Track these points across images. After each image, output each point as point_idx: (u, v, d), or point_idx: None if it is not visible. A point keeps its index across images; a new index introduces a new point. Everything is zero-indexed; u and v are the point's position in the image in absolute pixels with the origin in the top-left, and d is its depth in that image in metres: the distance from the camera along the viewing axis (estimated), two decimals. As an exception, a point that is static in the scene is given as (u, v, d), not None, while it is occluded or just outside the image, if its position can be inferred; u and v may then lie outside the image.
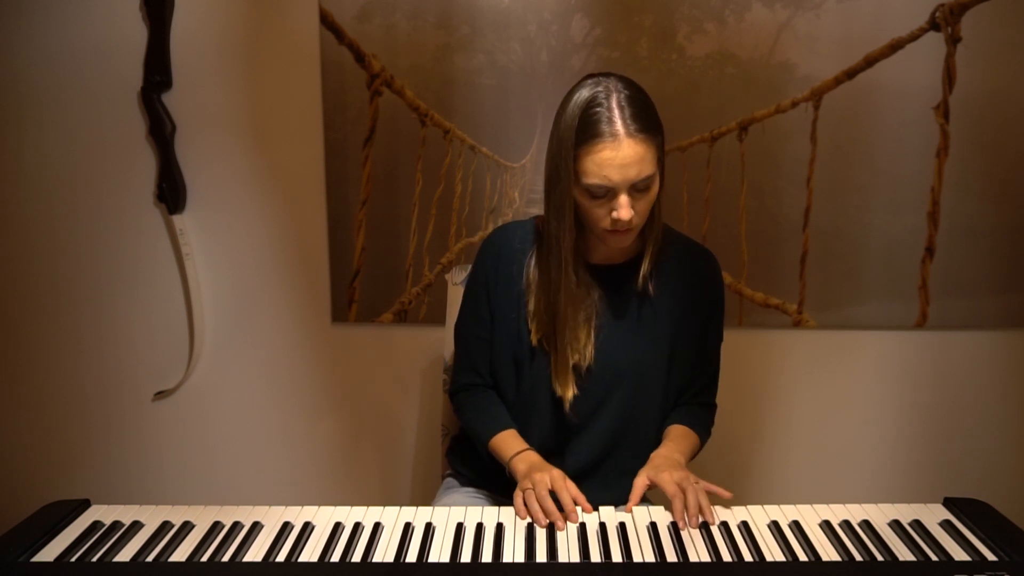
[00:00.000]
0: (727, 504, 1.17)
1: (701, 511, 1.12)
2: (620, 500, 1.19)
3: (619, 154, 1.10)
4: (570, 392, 1.26)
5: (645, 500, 1.22)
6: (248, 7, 1.83)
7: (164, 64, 1.84)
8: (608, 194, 1.14)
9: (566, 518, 1.12)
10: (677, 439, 1.31)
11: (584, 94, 1.14)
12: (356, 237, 1.92)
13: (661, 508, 1.17)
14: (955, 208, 1.85)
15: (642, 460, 1.30)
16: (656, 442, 1.35)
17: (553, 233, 1.22)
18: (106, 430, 2.06)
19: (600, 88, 1.14)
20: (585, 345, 1.26)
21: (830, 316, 1.92)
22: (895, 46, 1.78)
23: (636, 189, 1.14)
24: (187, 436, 2.06)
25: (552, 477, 1.17)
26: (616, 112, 1.11)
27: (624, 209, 1.13)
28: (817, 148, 1.83)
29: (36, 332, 2.02)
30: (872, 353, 1.95)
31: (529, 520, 1.13)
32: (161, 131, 1.87)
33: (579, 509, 1.15)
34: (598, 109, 1.12)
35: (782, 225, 1.88)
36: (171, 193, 1.89)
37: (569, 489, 1.17)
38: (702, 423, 1.38)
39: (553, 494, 1.16)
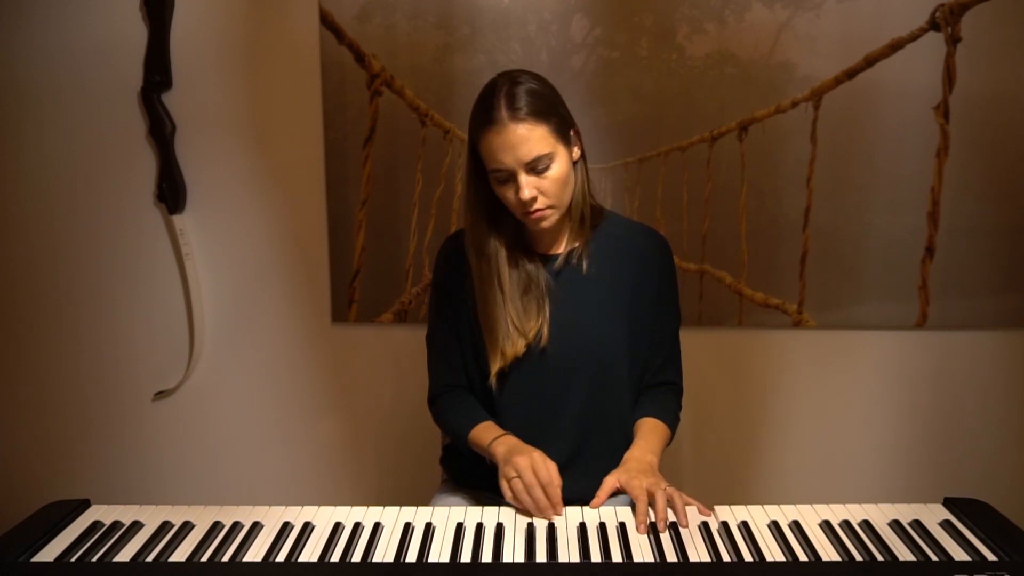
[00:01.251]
0: (731, 503, 1.17)
1: (675, 511, 1.12)
2: (595, 484, 1.20)
3: (504, 137, 1.18)
4: (497, 364, 1.29)
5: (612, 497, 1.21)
6: (248, 7, 1.83)
7: (164, 64, 1.84)
8: (509, 177, 1.21)
9: (553, 508, 1.14)
10: (647, 435, 1.32)
11: (485, 88, 1.24)
12: (356, 237, 1.92)
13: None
14: (955, 208, 1.85)
15: (617, 446, 1.33)
16: (623, 427, 1.36)
17: (471, 220, 1.30)
18: (106, 430, 2.06)
19: (499, 81, 1.23)
20: (539, 327, 1.30)
21: (830, 316, 1.92)
22: (895, 46, 1.78)
23: (534, 170, 1.20)
24: (187, 436, 2.06)
25: (533, 460, 1.17)
26: (502, 100, 1.19)
27: (524, 189, 1.20)
28: (817, 148, 1.83)
29: (36, 332, 2.02)
30: (872, 353, 1.95)
31: (529, 520, 1.13)
32: (161, 131, 1.87)
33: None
34: (490, 99, 1.21)
35: (782, 225, 1.88)
36: (171, 193, 1.89)
37: (550, 471, 1.17)
38: (670, 410, 1.39)
39: None
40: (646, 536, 1.08)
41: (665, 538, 1.08)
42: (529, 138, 1.18)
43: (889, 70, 1.79)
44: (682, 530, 1.10)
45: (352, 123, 1.86)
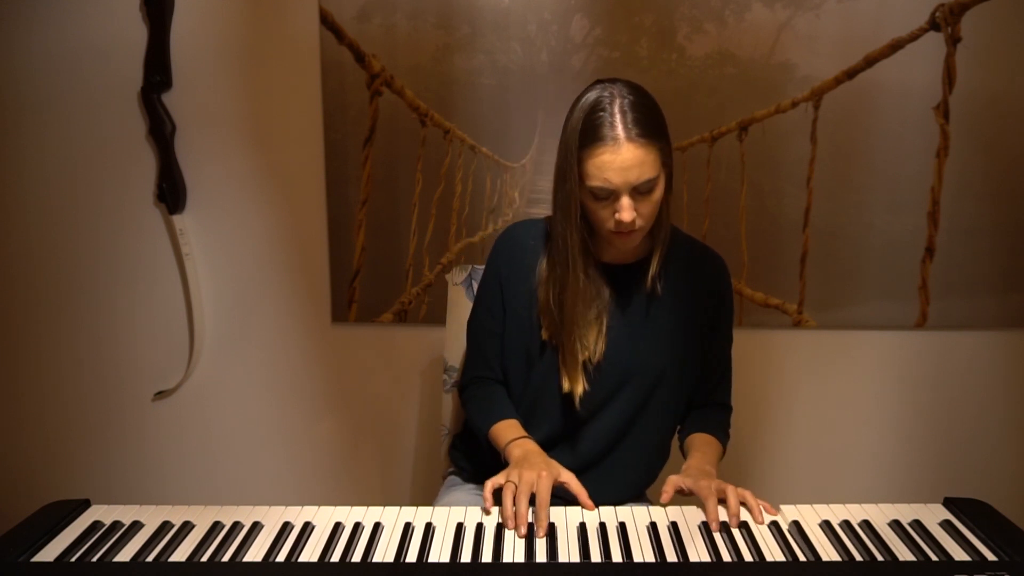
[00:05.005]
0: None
1: (750, 510, 1.13)
2: (620, 493, 1.21)
3: (619, 157, 1.13)
4: (580, 387, 1.27)
5: (646, 500, 1.22)
6: (248, 7, 1.83)
7: (164, 64, 1.84)
8: (611, 196, 1.16)
9: (537, 530, 1.09)
10: (703, 448, 1.32)
11: (590, 98, 1.17)
12: (356, 237, 1.92)
13: (661, 508, 1.17)
14: (955, 208, 1.85)
15: (644, 458, 1.33)
16: (660, 442, 1.37)
17: (559, 232, 1.24)
18: (106, 430, 2.06)
19: (605, 93, 1.16)
20: (595, 342, 1.28)
21: (830, 316, 1.92)
22: (895, 46, 1.78)
23: (638, 192, 1.16)
24: (187, 436, 2.06)
25: (540, 481, 1.13)
26: (618, 117, 1.13)
27: (626, 211, 1.15)
28: (817, 148, 1.83)
29: (36, 332, 2.02)
30: (872, 353, 1.95)
31: (530, 521, 1.13)
32: (161, 131, 1.87)
33: (582, 510, 1.15)
34: (601, 114, 1.14)
35: (782, 225, 1.88)
36: (171, 193, 1.89)
37: (542, 494, 1.12)
38: (722, 428, 1.39)
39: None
40: (646, 536, 1.09)
41: (665, 538, 1.08)
42: (644, 161, 1.13)
43: (889, 70, 1.79)
44: (682, 530, 1.10)
45: (352, 123, 1.86)
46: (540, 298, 1.30)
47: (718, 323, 1.37)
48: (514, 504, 1.12)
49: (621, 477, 1.33)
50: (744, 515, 1.14)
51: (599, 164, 1.14)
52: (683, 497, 1.20)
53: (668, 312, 1.31)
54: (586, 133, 1.15)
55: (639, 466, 1.32)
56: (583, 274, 1.26)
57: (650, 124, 1.15)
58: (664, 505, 1.17)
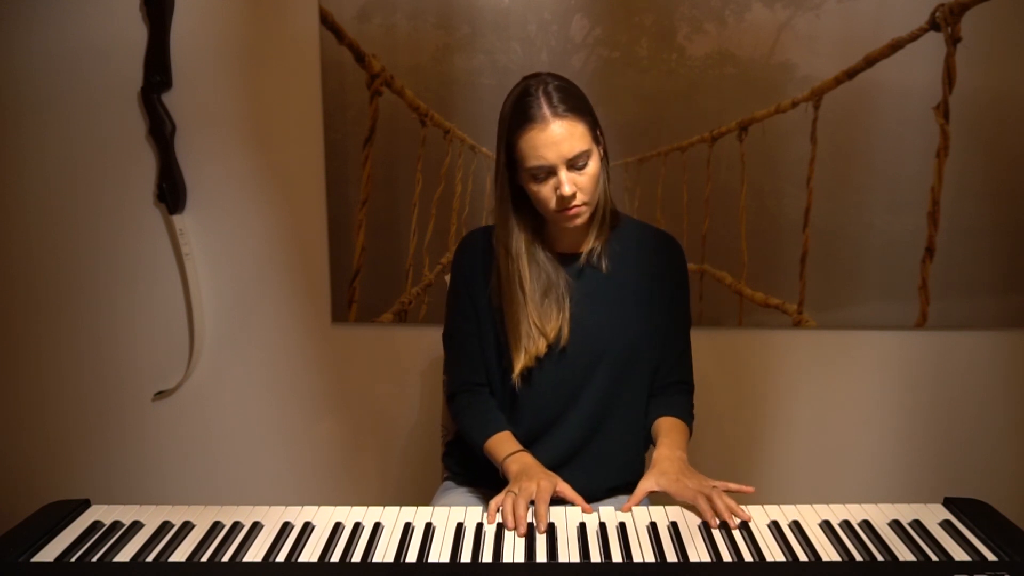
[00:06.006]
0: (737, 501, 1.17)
1: (734, 511, 1.14)
2: (600, 485, 1.24)
3: (549, 134, 1.19)
4: (520, 363, 1.30)
5: (644, 500, 1.22)
6: (248, 7, 1.83)
7: (164, 64, 1.84)
8: (549, 174, 1.22)
9: (537, 526, 1.12)
10: (670, 433, 1.33)
11: (517, 90, 1.25)
12: (356, 237, 1.92)
13: (661, 508, 1.17)
14: (955, 208, 1.85)
15: (627, 440, 1.36)
16: (639, 423, 1.38)
17: (499, 218, 1.30)
18: (106, 430, 2.06)
19: (531, 82, 1.24)
20: (558, 327, 1.31)
21: (830, 316, 1.92)
22: (895, 46, 1.78)
23: (574, 167, 1.21)
24: (187, 436, 2.06)
25: (539, 488, 1.18)
26: (543, 99, 1.20)
27: (565, 184, 1.21)
28: (817, 148, 1.83)
29: (36, 332, 2.02)
30: (872, 353, 1.95)
31: (529, 521, 1.13)
32: (161, 131, 1.87)
33: (580, 510, 1.16)
34: (528, 99, 1.22)
35: (782, 225, 1.88)
36: (171, 193, 1.89)
37: (565, 493, 1.19)
38: (685, 409, 1.41)
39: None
40: (646, 536, 1.09)
41: (665, 538, 1.08)
42: (572, 134, 1.20)
43: (889, 70, 1.78)
44: (682, 530, 1.10)
45: (352, 123, 1.86)
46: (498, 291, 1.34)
47: (674, 301, 1.40)
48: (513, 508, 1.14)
49: (609, 462, 1.36)
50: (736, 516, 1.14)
51: (532, 143, 1.20)
52: (663, 497, 1.21)
53: (627, 292, 1.35)
54: (516, 118, 1.22)
55: (624, 449, 1.36)
56: (528, 257, 1.30)
57: (574, 101, 1.22)
58: (642, 506, 1.18)
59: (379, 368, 2.01)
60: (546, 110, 1.19)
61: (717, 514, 1.13)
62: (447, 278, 1.63)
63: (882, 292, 1.90)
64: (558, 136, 1.19)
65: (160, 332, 2.00)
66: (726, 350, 1.96)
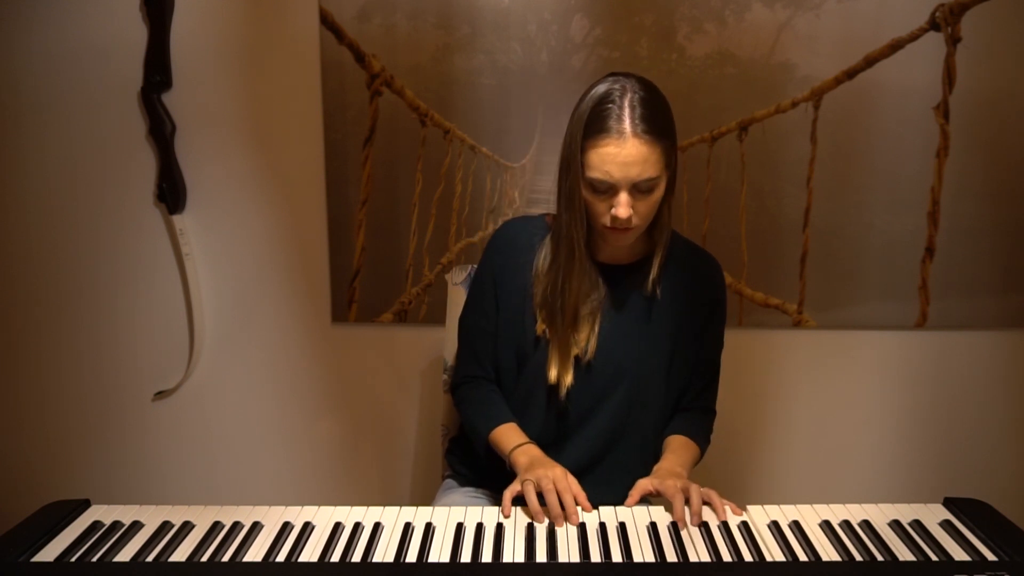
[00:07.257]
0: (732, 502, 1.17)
1: (714, 508, 1.13)
2: (617, 497, 1.20)
3: (622, 151, 1.12)
4: (568, 378, 1.27)
5: (645, 501, 1.22)
6: (248, 7, 1.83)
7: (164, 64, 1.84)
8: (610, 190, 1.16)
9: (566, 518, 1.12)
10: (678, 450, 1.31)
11: (601, 89, 1.16)
12: (356, 237, 1.92)
13: (661, 508, 1.17)
14: (955, 208, 1.85)
15: (640, 460, 1.32)
16: (654, 444, 1.36)
17: (564, 222, 1.23)
18: (106, 430, 2.06)
19: (617, 86, 1.16)
20: (588, 339, 1.28)
21: (830, 316, 1.92)
22: (895, 46, 1.78)
23: (638, 189, 1.15)
24: (187, 436, 2.06)
25: (555, 475, 1.16)
26: (627, 111, 1.13)
27: (622, 207, 1.15)
28: (817, 148, 1.83)
29: (36, 332, 2.02)
30: (872, 353, 1.95)
31: (529, 521, 1.13)
32: (161, 131, 1.87)
33: (579, 509, 1.15)
34: (610, 106, 1.14)
35: (782, 225, 1.88)
36: (171, 193, 1.89)
37: (572, 487, 1.16)
38: (702, 431, 1.38)
39: None
40: (646, 536, 1.09)
41: (665, 538, 1.08)
42: (647, 159, 1.12)
43: (889, 70, 1.79)
44: (682, 530, 1.10)
45: (352, 123, 1.86)
46: (537, 292, 1.30)
47: (711, 327, 1.36)
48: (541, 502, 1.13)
49: (618, 480, 1.31)
50: (744, 515, 1.14)
51: (602, 156, 1.13)
52: (654, 498, 1.21)
53: (661, 313, 1.31)
54: (592, 123, 1.14)
55: (635, 469, 1.31)
56: (584, 268, 1.25)
57: (658, 122, 1.14)
58: (642, 506, 1.18)
59: (379, 368, 2.01)
60: (626, 124, 1.12)
61: (691, 510, 1.12)
62: (447, 277, 1.63)
63: (882, 292, 1.90)
64: (631, 157, 1.12)
65: (160, 332, 2.00)
66: (726, 350, 1.94)
